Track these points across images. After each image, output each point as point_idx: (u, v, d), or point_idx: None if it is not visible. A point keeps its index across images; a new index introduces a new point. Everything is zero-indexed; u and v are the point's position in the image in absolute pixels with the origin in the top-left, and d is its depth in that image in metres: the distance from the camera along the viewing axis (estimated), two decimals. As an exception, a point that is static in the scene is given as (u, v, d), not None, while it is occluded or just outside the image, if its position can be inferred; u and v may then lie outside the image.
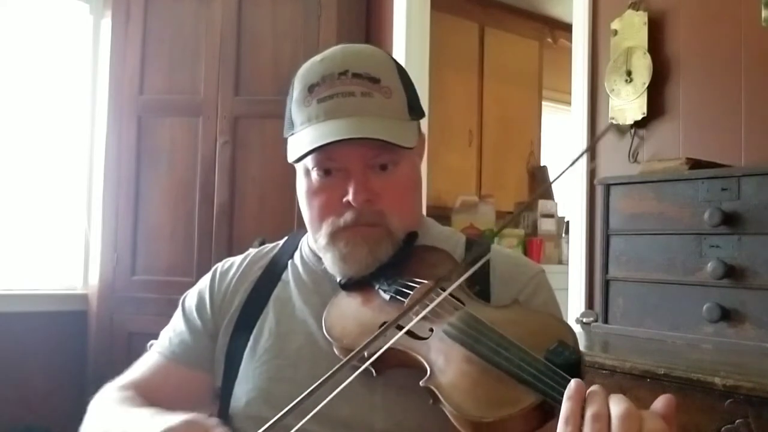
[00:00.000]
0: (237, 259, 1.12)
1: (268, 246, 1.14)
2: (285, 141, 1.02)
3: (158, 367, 1.06)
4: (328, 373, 0.76)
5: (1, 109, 2.92)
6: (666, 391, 1.37)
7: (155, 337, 1.13)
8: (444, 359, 0.78)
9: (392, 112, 0.96)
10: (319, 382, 0.75)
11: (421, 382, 0.76)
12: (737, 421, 1.27)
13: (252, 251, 1.13)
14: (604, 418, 0.62)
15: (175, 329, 1.08)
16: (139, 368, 1.08)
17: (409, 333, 0.81)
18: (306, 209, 1.00)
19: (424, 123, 1.06)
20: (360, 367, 0.79)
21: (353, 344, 0.85)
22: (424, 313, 0.80)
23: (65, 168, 3.07)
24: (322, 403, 0.74)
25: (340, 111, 0.93)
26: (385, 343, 0.78)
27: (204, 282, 1.10)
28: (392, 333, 0.80)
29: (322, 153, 0.93)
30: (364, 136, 0.91)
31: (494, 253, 1.01)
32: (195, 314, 1.07)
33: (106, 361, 2.78)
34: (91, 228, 2.95)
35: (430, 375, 0.77)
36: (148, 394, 1.02)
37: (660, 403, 0.64)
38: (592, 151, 2.30)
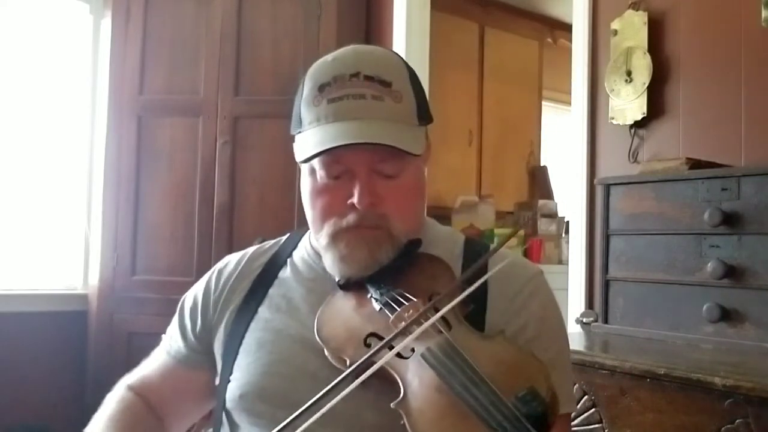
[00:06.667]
0: (235, 257, 1.12)
1: (269, 242, 1.14)
2: (291, 138, 1.02)
3: (164, 368, 1.10)
4: (329, 386, 0.78)
5: (1, 109, 2.92)
6: (666, 391, 1.38)
7: (155, 337, 1.14)
8: (418, 383, 0.79)
9: (401, 116, 0.95)
10: (321, 393, 0.77)
11: (392, 404, 0.78)
12: (737, 421, 1.28)
13: (250, 249, 1.13)
14: None
15: (175, 329, 1.10)
16: (149, 365, 1.12)
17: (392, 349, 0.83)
18: (309, 208, 1.00)
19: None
20: (344, 372, 0.81)
21: (338, 349, 0.89)
22: (413, 336, 0.80)
23: (65, 168, 3.07)
24: (326, 407, 0.75)
25: (349, 113, 0.92)
26: (375, 361, 0.80)
27: (202, 282, 1.11)
28: (382, 350, 0.81)
29: (329, 155, 0.92)
30: (373, 141, 0.90)
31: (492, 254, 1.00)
32: (193, 314, 1.08)
33: (106, 361, 2.78)
34: (91, 228, 2.95)
35: (402, 398, 0.78)
36: (154, 396, 1.07)
37: None
38: (592, 151, 2.30)
